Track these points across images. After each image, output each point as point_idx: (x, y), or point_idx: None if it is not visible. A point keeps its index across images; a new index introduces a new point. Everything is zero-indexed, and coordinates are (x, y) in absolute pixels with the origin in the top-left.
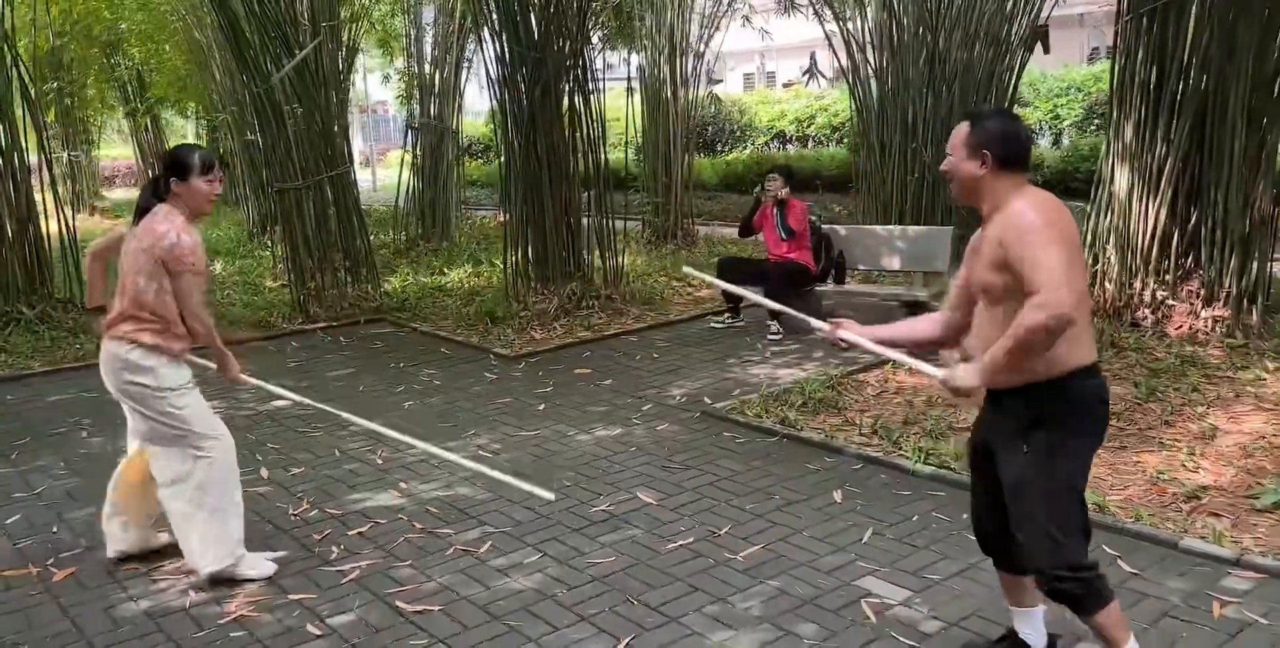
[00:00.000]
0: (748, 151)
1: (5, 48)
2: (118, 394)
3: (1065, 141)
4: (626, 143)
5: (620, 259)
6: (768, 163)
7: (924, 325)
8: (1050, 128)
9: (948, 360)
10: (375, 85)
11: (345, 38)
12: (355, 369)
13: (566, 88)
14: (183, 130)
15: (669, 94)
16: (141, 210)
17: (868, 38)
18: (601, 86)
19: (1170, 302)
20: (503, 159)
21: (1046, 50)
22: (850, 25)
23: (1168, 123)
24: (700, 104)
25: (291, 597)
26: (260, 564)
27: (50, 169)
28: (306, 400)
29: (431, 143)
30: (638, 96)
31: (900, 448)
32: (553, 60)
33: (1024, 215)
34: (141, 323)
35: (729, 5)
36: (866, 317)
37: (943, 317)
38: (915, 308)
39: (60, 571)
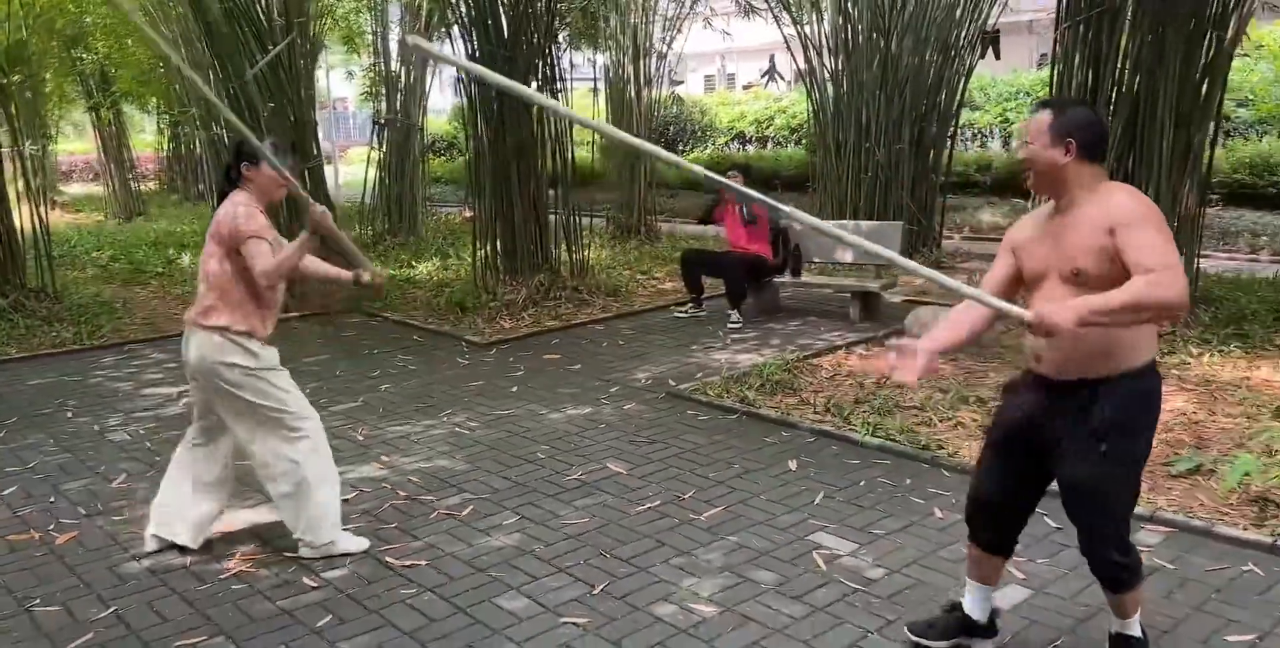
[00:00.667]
0: (709, 151)
1: None
2: (207, 383)
3: (1015, 143)
4: (593, 141)
5: (586, 253)
6: (728, 162)
7: (976, 313)
8: (1000, 131)
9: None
10: (336, 82)
11: (311, 34)
12: (331, 355)
13: (535, 86)
14: (142, 125)
15: (633, 94)
16: (220, 196)
17: (824, 41)
18: (568, 86)
19: None
20: (471, 155)
21: (998, 56)
22: (807, 29)
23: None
24: (663, 104)
25: (287, 555)
26: (356, 540)
27: (23, 162)
28: None
29: (398, 139)
30: (602, 96)
31: (850, 423)
32: (522, 59)
33: (1137, 204)
34: (233, 309)
35: (690, 7)
36: (823, 306)
37: (976, 309)
38: (867, 298)
39: (62, 535)
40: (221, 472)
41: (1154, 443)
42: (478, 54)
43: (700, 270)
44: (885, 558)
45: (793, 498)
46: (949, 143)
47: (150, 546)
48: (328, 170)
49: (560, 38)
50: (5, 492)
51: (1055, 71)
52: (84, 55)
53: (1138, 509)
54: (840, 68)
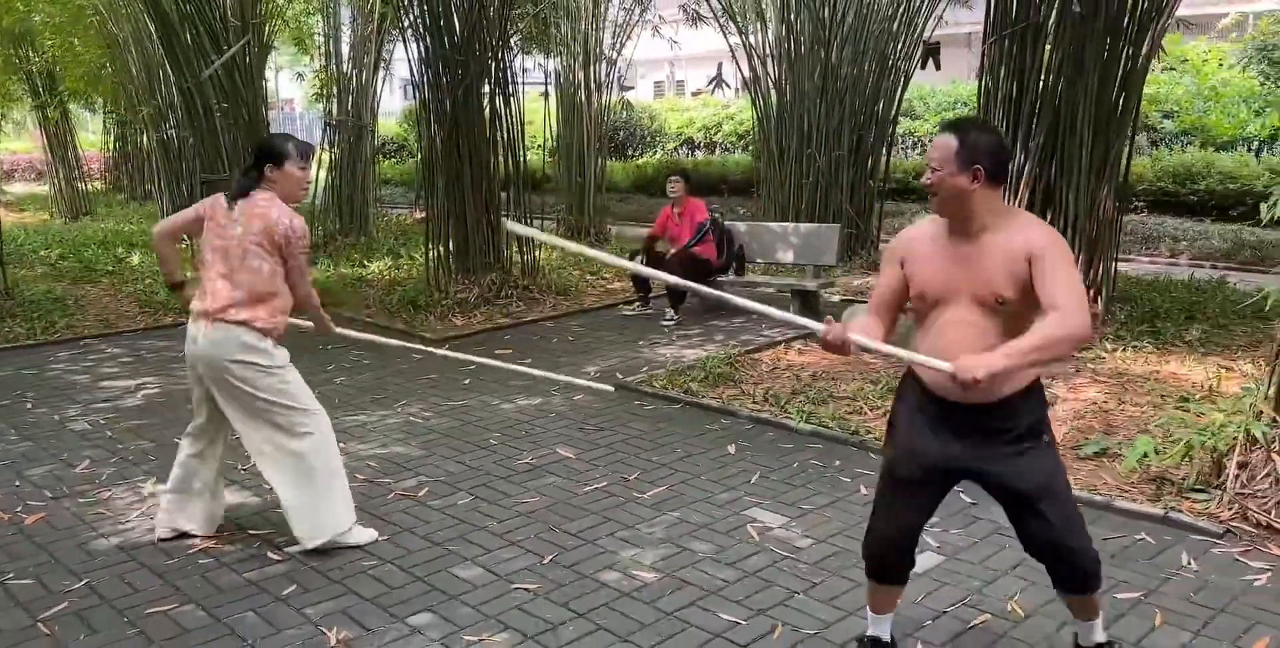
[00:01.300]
0: (657, 156)
1: None
2: (221, 377)
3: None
4: (544, 145)
5: (537, 253)
6: (676, 166)
7: (871, 331)
8: None
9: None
10: (283, 83)
11: (263, 35)
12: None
13: (487, 90)
14: (89, 124)
15: (583, 99)
16: (236, 195)
17: (768, 51)
18: (520, 90)
19: None
20: (424, 156)
21: (938, 67)
22: (753, 38)
23: (1026, 133)
24: (613, 109)
25: (251, 532)
26: (366, 532)
27: None
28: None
29: (349, 140)
30: (553, 101)
31: (787, 411)
32: (475, 62)
33: (1055, 241)
34: (258, 306)
35: (640, 15)
36: (765, 304)
37: (870, 323)
38: (807, 297)
39: (30, 516)
40: (217, 470)
41: (1066, 429)
42: (430, 57)
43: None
44: (813, 530)
45: (730, 478)
46: (887, 150)
47: (162, 533)
48: None
49: (512, 42)
50: None
51: (983, 83)
52: (30, 54)
53: None
54: (783, 76)
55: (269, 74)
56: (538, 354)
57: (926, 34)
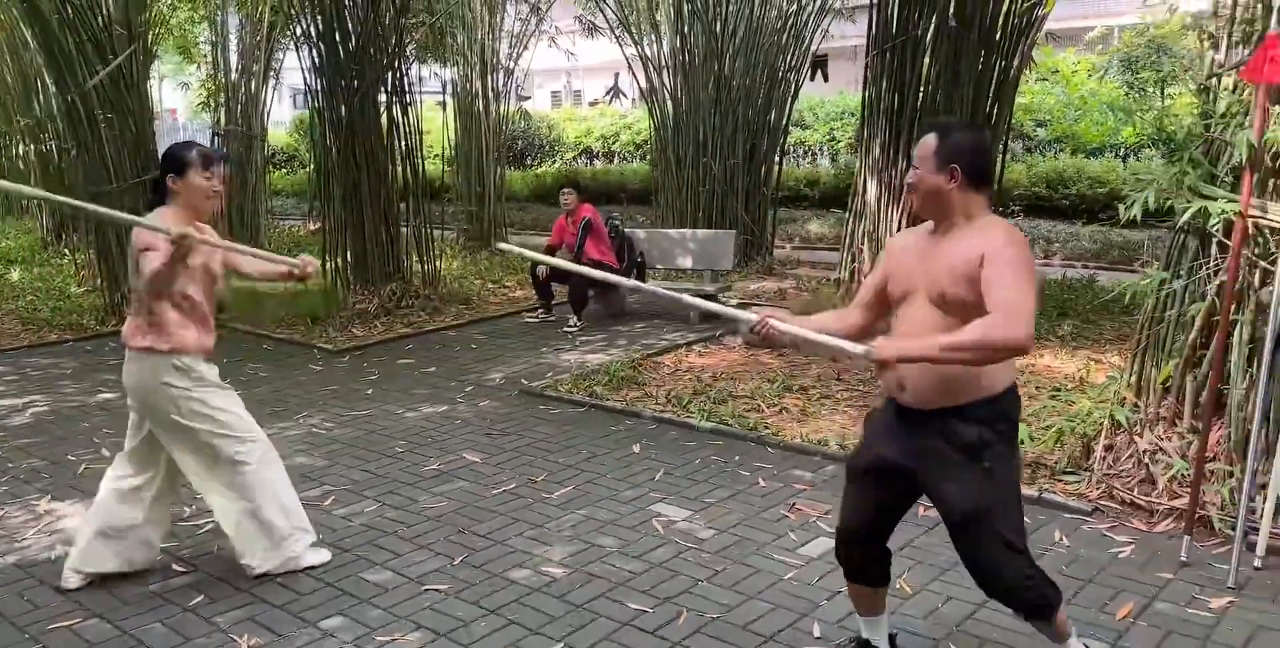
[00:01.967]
0: (556, 165)
1: None
2: (141, 408)
3: (841, 160)
4: (442, 155)
5: (438, 263)
6: (576, 176)
7: (851, 319)
8: (828, 148)
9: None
10: (166, 92)
11: (147, 44)
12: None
13: (384, 98)
14: None
15: (481, 108)
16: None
17: (664, 62)
18: (418, 99)
19: None
20: (319, 166)
21: (826, 78)
22: (648, 50)
23: (906, 141)
24: (511, 119)
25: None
26: (318, 553)
27: None
28: None
29: (239, 151)
30: (450, 110)
31: (689, 411)
32: (371, 70)
33: (1011, 245)
34: (152, 328)
35: (536, 26)
36: (665, 309)
37: (849, 313)
38: (706, 300)
39: None
40: (161, 511)
41: None
42: (324, 65)
43: (546, 279)
44: (715, 521)
45: (635, 476)
46: (779, 158)
47: (72, 582)
48: None
49: (409, 52)
50: None
51: (866, 95)
52: None
53: None
54: (679, 87)
55: (151, 83)
56: (441, 363)
57: (814, 47)
